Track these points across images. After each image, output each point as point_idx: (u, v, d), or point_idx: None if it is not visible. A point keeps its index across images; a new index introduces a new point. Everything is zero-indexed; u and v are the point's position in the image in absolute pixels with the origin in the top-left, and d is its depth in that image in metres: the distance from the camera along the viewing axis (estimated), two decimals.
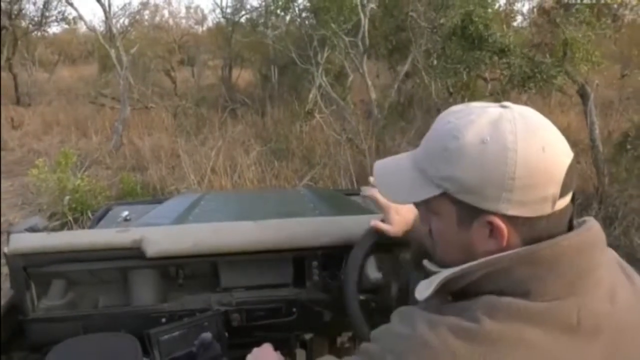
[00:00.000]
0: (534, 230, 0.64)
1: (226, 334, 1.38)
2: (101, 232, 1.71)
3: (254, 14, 11.76)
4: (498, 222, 0.64)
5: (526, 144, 0.62)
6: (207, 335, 1.30)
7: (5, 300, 1.40)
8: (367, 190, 1.25)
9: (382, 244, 1.29)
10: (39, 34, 12.57)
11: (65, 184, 4.63)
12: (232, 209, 2.43)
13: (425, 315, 0.66)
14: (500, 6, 5.48)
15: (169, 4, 14.34)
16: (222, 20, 12.51)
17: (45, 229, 1.53)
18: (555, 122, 0.66)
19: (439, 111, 5.74)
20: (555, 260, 0.63)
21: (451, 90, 4.52)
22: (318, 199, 2.43)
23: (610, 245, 0.71)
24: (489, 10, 4.73)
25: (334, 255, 1.47)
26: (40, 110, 10.14)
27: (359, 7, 5.11)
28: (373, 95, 5.51)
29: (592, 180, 4.81)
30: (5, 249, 1.37)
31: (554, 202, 0.62)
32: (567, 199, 0.65)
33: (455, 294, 0.68)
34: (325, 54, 6.73)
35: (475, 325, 0.60)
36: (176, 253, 1.42)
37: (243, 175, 4.45)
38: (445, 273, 0.67)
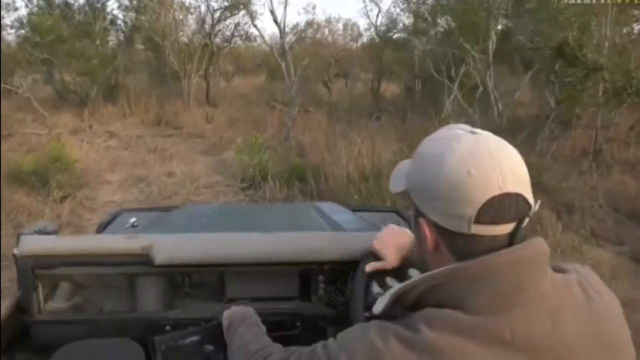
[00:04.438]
0: (456, 245, 0.71)
1: None
2: (110, 237, 1.73)
3: (404, 33, 13.08)
4: (425, 225, 0.74)
5: (457, 164, 0.69)
6: (210, 347, 1.27)
7: (10, 300, 1.39)
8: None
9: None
10: (227, 49, 15.32)
11: (253, 158, 6.43)
12: (241, 221, 2.39)
13: (379, 322, 0.73)
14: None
15: (329, 22, 16.08)
16: (376, 37, 14.02)
17: (54, 232, 1.53)
18: None
19: (547, 117, 6.40)
20: (486, 276, 0.67)
21: (558, 99, 5.21)
22: (326, 214, 2.43)
23: None
24: (587, 34, 5.39)
25: (340, 271, 1.46)
26: (224, 110, 12.50)
27: (491, 31, 6.09)
28: (498, 106, 6.40)
29: None
30: (14, 250, 1.36)
31: (469, 223, 0.68)
32: (496, 229, 0.69)
33: (408, 309, 0.73)
34: (462, 70, 7.74)
35: (415, 335, 0.67)
36: (184, 261, 1.41)
37: (380, 159, 5.76)
38: (396, 287, 0.74)
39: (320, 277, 1.49)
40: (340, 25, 16.17)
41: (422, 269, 0.77)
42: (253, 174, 6.32)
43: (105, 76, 11.74)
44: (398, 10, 12.90)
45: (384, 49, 12.94)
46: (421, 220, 0.75)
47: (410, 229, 1.02)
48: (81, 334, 1.37)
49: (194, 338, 1.27)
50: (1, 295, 1.50)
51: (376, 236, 1.21)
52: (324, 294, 1.49)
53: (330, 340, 0.78)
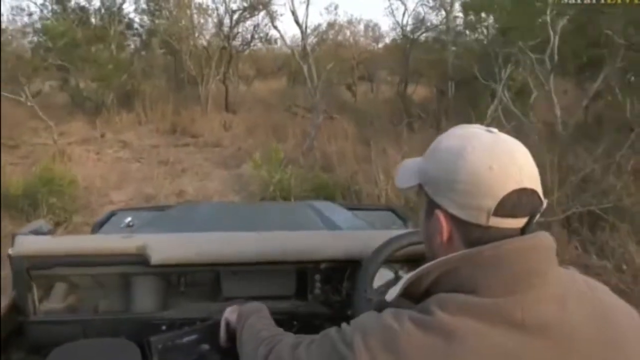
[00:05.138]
0: (472, 236, 0.72)
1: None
2: (105, 237, 1.72)
3: (434, 32, 12.20)
4: (442, 216, 0.74)
5: (478, 158, 0.71)
6: (206, 346, 1.25)
7: (5, 300, 1.39)
8: None
9: (395, 260, 1.27)
10: (247, 52, 14.68)
11: (273, 175, 5.65)
12: (236, 219, 2.36)
13: (392, 309, 0.74)
14: None
15: (351, 23, 15.32)
16: (401, 38, 13.14)
17: (49, 232, 1.52)
18: None
19: (632, 130, 5.36)
20: (498, 260, 0.69)
21: None
22: (322, 212, 2.40)
23: None
24: None
25: (336, 269, 1.46)
26: (243, 116, 11.85)
27: (549, 25, 5.17)
28: (558, 113, 5.45)
29: None
30: (10, 250, 1.36)
31: (488, 215, 0.70)
32: (512, 222, 0.71)
33: (419, 299, 0.74)
34: (509, 71, 6.82)
35: (429, 317, 0.68)
36: (180, 261, 1.41)
37: None
38: (409, 275, 0.76)
39: (317, 276, 1.48)
40: (362, 27, 15.36)
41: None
42: (273, 193, 5.56)
43: (121, 82, 11.20)
44: (426, 8, 12.01)
45: (410, 50, 12.07)
46: (437, 212, 0.75)
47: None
48: (76, 334, 1.37)
49: (191, 337, 1.26)
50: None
51: None
52: (320, 292, 1.49)
53: (344, 324, 0.78)
